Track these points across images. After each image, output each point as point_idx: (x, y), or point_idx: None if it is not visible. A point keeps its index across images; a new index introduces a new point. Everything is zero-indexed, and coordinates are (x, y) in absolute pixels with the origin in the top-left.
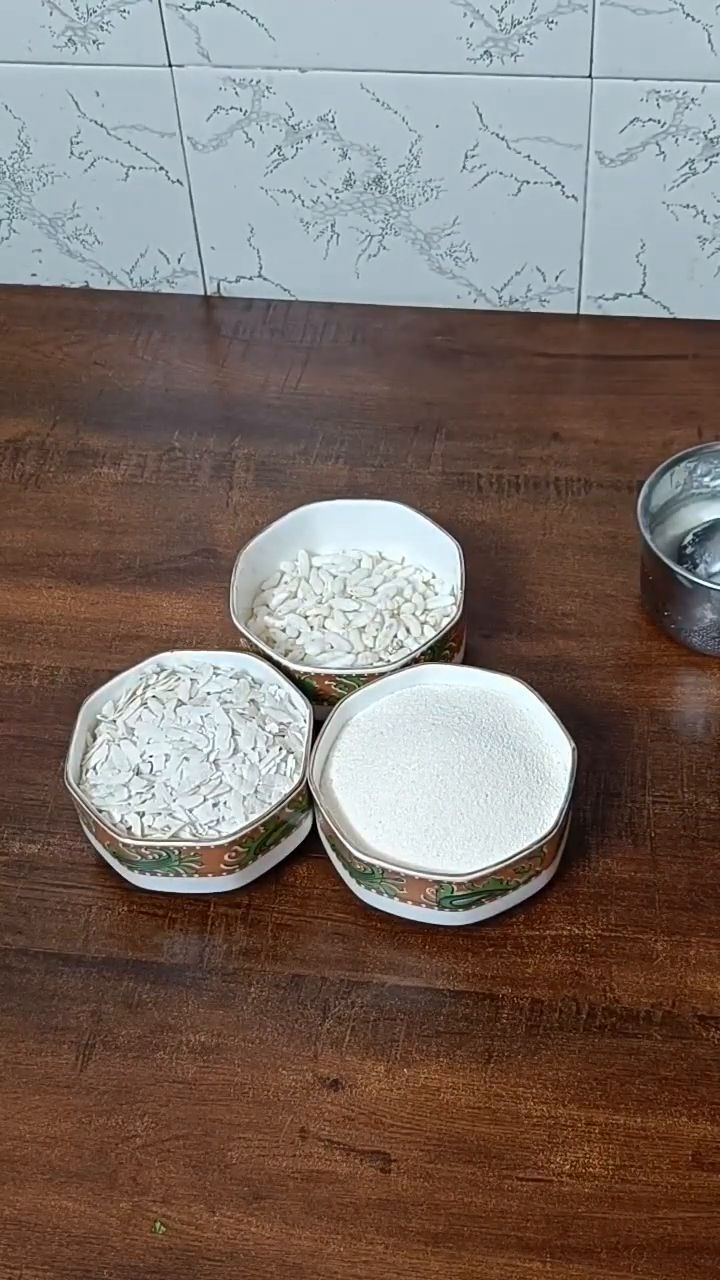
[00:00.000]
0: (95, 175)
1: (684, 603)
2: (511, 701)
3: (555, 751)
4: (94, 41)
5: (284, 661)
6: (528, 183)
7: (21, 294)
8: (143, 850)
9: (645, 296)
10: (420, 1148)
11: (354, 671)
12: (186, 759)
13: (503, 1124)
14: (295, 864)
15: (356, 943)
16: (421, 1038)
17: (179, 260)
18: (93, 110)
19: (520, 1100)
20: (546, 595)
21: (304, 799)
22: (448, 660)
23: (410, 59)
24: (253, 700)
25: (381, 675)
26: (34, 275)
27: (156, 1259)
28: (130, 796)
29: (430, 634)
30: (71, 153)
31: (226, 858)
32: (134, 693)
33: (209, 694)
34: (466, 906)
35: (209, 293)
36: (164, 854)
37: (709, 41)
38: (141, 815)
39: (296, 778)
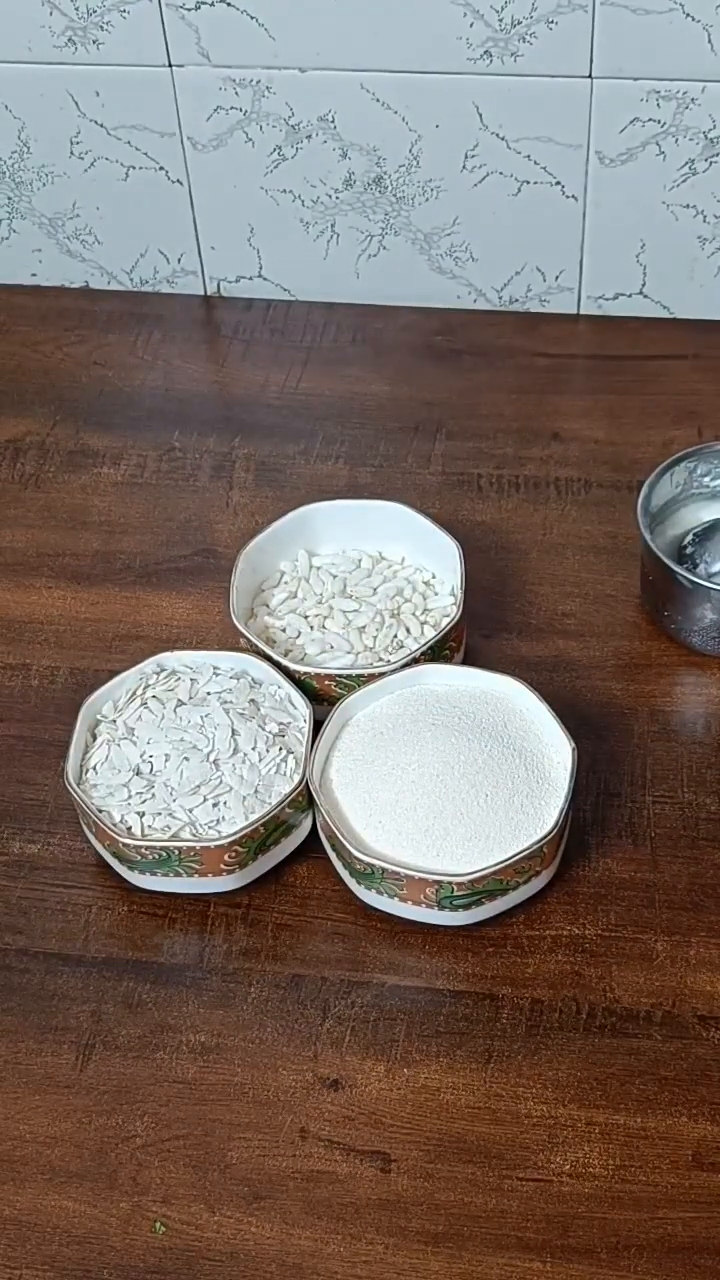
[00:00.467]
0: (95, 175)
1: (684, 603)
2: (511, 701)
3: (555, 751)
4: (94, 41)
5: (284, 661)
6: (528, 183)
7: (21, 294)
8: (143, 850)
9: (645, 296)
10: (420, 1148)
11: (354, 671)
12: (186, 759)
13: (503, 1124)
14: (295, 864)
15: (356, 943)
16: (421, 1038)
17: (179, 260)
18: (93, 110)
19: (520, 1100)
20: (546, 595)
21: (304, 799)
22: (448, 660)
23: (410, 59)
24: (253, 700)
25: (381, 675)
26: (34, 275)
27: (156, 1259)
28: (130, 796)
29: (430, 634)
30: (71, 153)
31: (226, 858)
32: (134, 693)
33: (209, 694)
34: (466, 906)
35: (209, 293)
36: (164, 854)
37: (709, 41)
38: (141, 815)
39: (296, 778)
